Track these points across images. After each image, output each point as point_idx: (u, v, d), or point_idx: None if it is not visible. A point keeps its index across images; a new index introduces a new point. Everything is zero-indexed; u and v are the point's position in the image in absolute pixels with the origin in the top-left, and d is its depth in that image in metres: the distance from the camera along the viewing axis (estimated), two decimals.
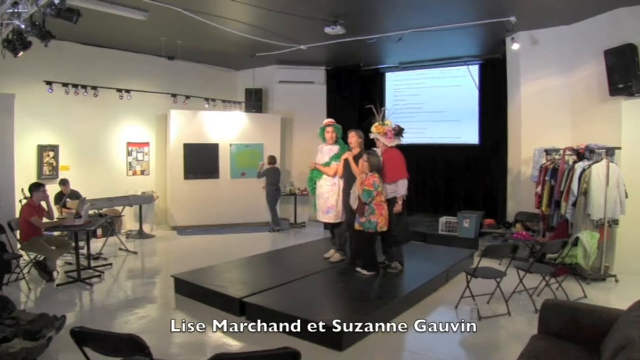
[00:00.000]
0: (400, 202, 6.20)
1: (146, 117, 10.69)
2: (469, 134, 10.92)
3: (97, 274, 6.78)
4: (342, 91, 11.98)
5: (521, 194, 8.62)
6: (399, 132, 6.39)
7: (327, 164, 6.84)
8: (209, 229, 10.65)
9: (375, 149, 6.55)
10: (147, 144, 10.75)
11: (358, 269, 6.25)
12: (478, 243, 8.41)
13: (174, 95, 10.78)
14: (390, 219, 6.14)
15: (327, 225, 7.24)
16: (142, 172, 10.69)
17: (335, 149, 6.89)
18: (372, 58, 11.25)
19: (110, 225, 8.77)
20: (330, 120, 7.09)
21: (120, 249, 8.50)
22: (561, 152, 7.34)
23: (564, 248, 5.83)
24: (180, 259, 8.09)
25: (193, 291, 5.79)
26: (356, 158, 6.41)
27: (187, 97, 10.94)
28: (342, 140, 7.00)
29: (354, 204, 6.14)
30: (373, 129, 6.45)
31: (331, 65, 11.85)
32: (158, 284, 6.63)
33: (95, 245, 8.26)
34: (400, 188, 6.20)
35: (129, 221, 10.29)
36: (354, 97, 11.97)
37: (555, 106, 8.22)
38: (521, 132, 8.60)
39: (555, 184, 7.17)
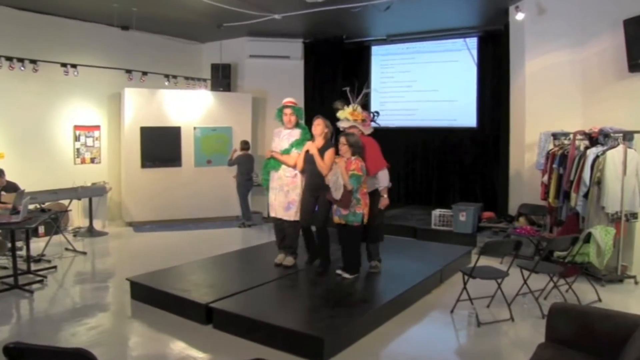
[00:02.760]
0: (386, 195, 6.30)
1: (96, 96, 10.48)
2: (465, 116, 10.93)
3: (38, 279, 6.62)
4: (322, 67, 11.91)
5: (525, 183, 8.67)
6: (373, 118, 6.52)
7: (286, 152, 6.47)
8: (170, 225, 10.54)
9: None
10: (97, 127, 10.56)
11: (339, 271, 6.19)
12: (476, 239, 8.45)
13: (128, 72, 10.55)
14: (371, 213, 6.12)
15: (277, 225, 6.70)
16: (92, 160, 10.51)
17: (295, 133, 6.53)
18: (357, 29, 11.18)
19: (54, 221, 8.58)
20: (290, 100, 6.70)
21: (67, 249, 8.34)
22: (571, 136, 7.37)
23: (575, 245, 5.85)
24: (137, 259, 8.01)
25: (152, 296, 5.73)
26: (320, 152, 6.18)
27: (144, 73, 10.72)
28: (306, 125, 6.69)
29: (337, 194, 5.88)
30: (348, 115, 6.37)
31: (310, 38, 11.76)
32: (111, 288, 6.54)
33: (37, 245, 8.09)
34: (383, 179, 6.28)
35: (77, 217, 10.12)
36: (336, 73, 11.88)
37: (564, 84, 8.23)
38: (525, 113, 8.63)
39: (564, 172, 7.20)
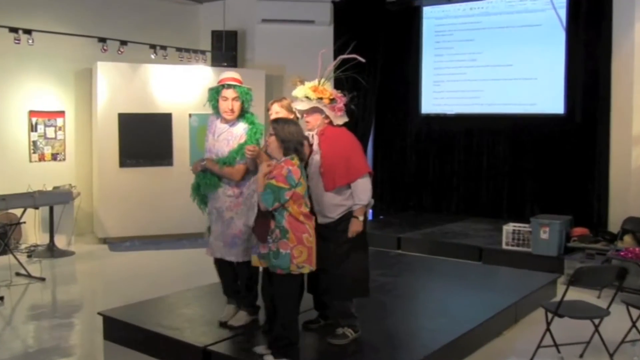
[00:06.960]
0: (361, 217, 5.26)
1: (59, 72, 10.61)
2: (549, 99, 10.89)
3: None
4: (356, 35, 11.78)
5: (632, 190, 8.66)
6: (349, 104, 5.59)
7: (227, 162, 5.49)
8: (157, 242, 10.61)
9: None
10: (61, 113, 10.70)
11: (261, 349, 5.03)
12: (563, 264, 8.34)
13: (102, 40, 10.67)
14: (333, 254, 5.16)
15: (221, 268, 5.82)
16: (55, 157, 10.65)
17: (238, 131, 5.57)
18: None
19: (2, 237, 8.67)
20: (232, 75, 5.72)
21: (19, 273, 8.35)
22: None
23: None
24: (112, 287, 8.08)
25: (132, 336, 5.74)
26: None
27: (123, 42, 10.85)
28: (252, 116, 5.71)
29: (251, 218, 5.20)
30: (308, 91, 5.46)
31: None
32: (77, 326, 6.57)
33: None
34: (362, 192, 5.23)
35: (32, 231, 10.20)
36: (376, 44, 11.88)
37: None
38: (633, 95, 8.61)
39: None
